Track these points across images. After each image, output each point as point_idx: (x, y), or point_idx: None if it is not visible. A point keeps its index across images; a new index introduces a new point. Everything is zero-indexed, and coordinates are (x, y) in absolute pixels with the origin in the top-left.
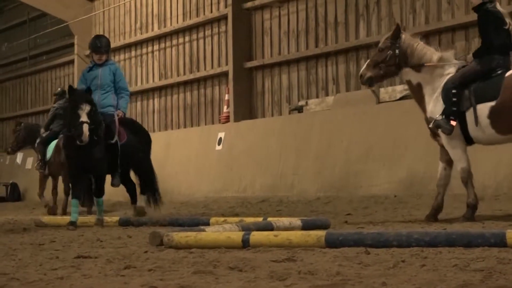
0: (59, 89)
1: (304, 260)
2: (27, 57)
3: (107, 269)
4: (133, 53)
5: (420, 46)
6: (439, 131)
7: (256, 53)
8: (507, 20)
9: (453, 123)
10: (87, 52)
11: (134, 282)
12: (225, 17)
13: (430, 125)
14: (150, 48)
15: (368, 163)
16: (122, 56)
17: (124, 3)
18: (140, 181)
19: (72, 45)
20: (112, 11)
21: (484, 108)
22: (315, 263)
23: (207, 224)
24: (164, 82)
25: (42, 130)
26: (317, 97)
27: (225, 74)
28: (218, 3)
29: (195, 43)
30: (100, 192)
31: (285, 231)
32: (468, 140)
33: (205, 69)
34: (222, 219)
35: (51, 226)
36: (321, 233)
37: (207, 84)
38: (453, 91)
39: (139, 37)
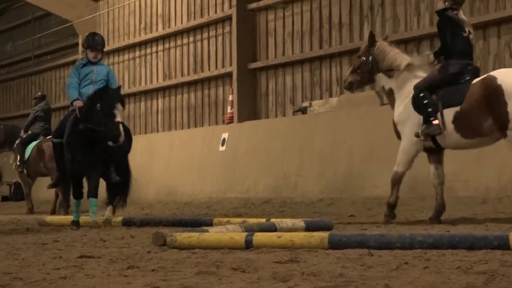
0: (39, 93)
1: (307, 262)
2: (31, 56)
3: (110, 269)
4: (137, 53)
5: (392, 52)
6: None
7: (260, 54)
8: (467, 28)
9: (436, 121)
10: None
11: (137, 282)
12: (229, 18)
13: (421, 139)
14: (154, 48)
15: (371, 164)
16: (126, 56)
17: (129, 3)
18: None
19: (76, 45)
20: (116, 11)
21: (449, 113)
22: (318, 265)
23: (210, 224)
24: (168, 82)
25: (21, 132)
26: (321, 98)
27: (229, 75)
28: (223, 3)
29: (199, 43)
30: (96, 192)
31: (288, 232)
32: (437, 145)
33: (209, 69)
34: (225, 219)
35: (54, 226)
36: (324, 234)
37: (211, 85)
38: (421, 94)
39: (143, 37)
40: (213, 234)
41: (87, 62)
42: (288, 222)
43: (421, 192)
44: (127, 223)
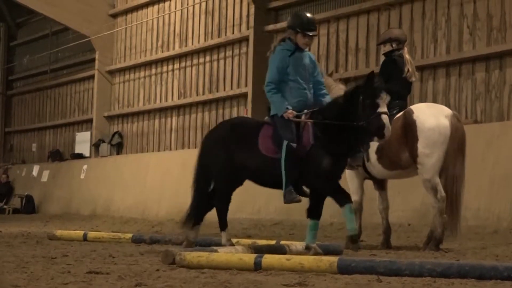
0: None
1: (316, 285)
2: (48, 70)
3: (118, 285)
4: (153, 70)
5: (336, 88)
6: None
7: None
8: (407, 67)
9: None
10: (108, 67)
11: None
12: (246, 39)
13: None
14: (170, 67)
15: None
16: (142, 73)
17: (147, 21)
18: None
19: (93, 60)
20: (134, 28)
21: (373, 145)
22: None
23: (220, 245)
24: (183, 101)
25: None
26: None
27: (244, 95)
28: (240, 24)
29: (215, 63)
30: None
31: (298, 255)
32: (369, 175)
33: (224, 89)
34: (235, 240)
35: (64, 240)
36: (334, 258)
37: (226, 105)
38: None
39: (160, 55)
40: (222, 255)
41: (294, 50)
42: (297, 245)
43: (431, 219)
44: (137, 240)
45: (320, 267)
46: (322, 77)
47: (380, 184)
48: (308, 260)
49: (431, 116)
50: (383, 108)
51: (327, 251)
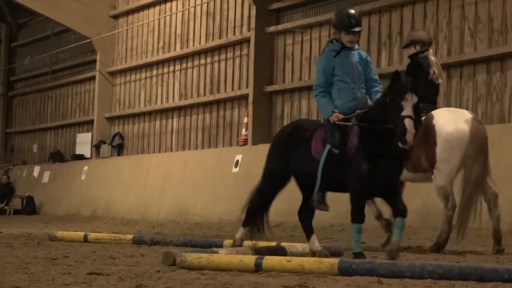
0: None
1: (316, 287)
2: (49, 71)
3: (118, 286)
4: (154, 72)
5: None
6: None
7: (277, 77)
8: (432, 69)
9: None
10: (109, 68)
11: None
12: (247, 41)
13: None
14: (171, 68)
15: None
16: (143, 75)
17: (148, 22)
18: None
19: (94, 61)
20: (135, 29)
21: None
22: None
23: (221, 246)
24: (184, 102)
25: None
26: None
27: (245, 97)
28: (241, 26)
29: (216, 64)
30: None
31: (298, 256)
32: None
33: (225, 91)
34: None
35: (65, 241)
36: (334, 260)
37: (227, 106)
38: None
39: (161, 56)
40: (223, 256)
41: (340, 49)
42: (298, 246)
43: (432, 221)
44: (138, 241)
45: (321, 269)
46: (375, 73)
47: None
48: (309, 262)
49: (450, 122)
50: (408, 111)
51: (328, 253)
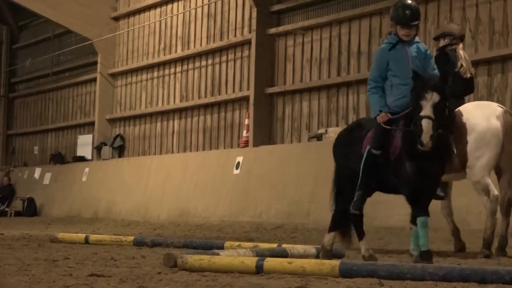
0: None
1: None
2: (50, 73)
3: None
4: (155, 73)
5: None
6: None
7: (278, 79)
8: (460, 62)
9: None
10: (110, 70)
11: None
12: (248, 42)
13: None
14: (172, 70)
15: (384, 194)
16: (144, 76)
17: (149, 24)
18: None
19: (95, 63)
20: (136, 31)
21: None
22: None
23: (222, 248)
24: (185, 104)
25: None
26: (337, 125)
27: (246, 98)
28: (242, 28)
29: (217, 66)
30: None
31: (299, 258)
32: None
33: (226, 92)
34: (236, 243)
35: (66, 243)
36: (335, 262)
37: (228, 108)
38: None
39: (162, 58)
40: (224, 258)
41: (396, 42)
42: (299, 248)
43: (433, 223)
44: (139, 243)
45: (322, 271)
46: (434, 68)
47: (443, 188)
48: (310, 264)
49: (482, 118)
50: (426, 111)
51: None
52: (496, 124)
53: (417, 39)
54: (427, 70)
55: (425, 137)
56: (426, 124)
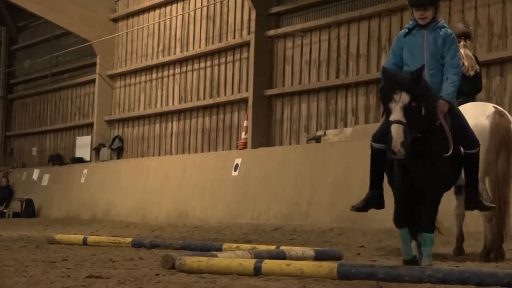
0: None
1: None
2: (49, 74)
3: None
4: (154, 75)
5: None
6: None
7: (277, 81)
8: (461, 61)
9: None
10: (109, 72)
11: None
12: (247, 44)
13: None
14: (171, 71)
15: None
16: (143, 78)
17: (148, 26)
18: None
19: (94, 64)
20: (135, 32)
21: None
22: None
23: (220, 249)
24: (183, 105)
25: None
26: (336, 127)
27: (245, 100)
28: (241, 29)
29: (216, 68)
30: (428, 224)
31: (298, 260)
32: None
33: (225, 94)
34: (235, 245)
35: (64, 244)
36: (334, 264)
37: (227, 110)
38: None
39: (161, 59)
40: (222, 260)
41: (413, 27)
42: (297, 250)
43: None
44: (137, 244)
45: (320, 273)
46: (454, 56)
47: (458, 188)
48: (308, 266)
49: (470, 117)
50: (395, 115)
51: (327, 257)
52: (484, 123)
53: (441, 23)
54: (446, 58)
55: (395, 145)
56: (395, 130)
